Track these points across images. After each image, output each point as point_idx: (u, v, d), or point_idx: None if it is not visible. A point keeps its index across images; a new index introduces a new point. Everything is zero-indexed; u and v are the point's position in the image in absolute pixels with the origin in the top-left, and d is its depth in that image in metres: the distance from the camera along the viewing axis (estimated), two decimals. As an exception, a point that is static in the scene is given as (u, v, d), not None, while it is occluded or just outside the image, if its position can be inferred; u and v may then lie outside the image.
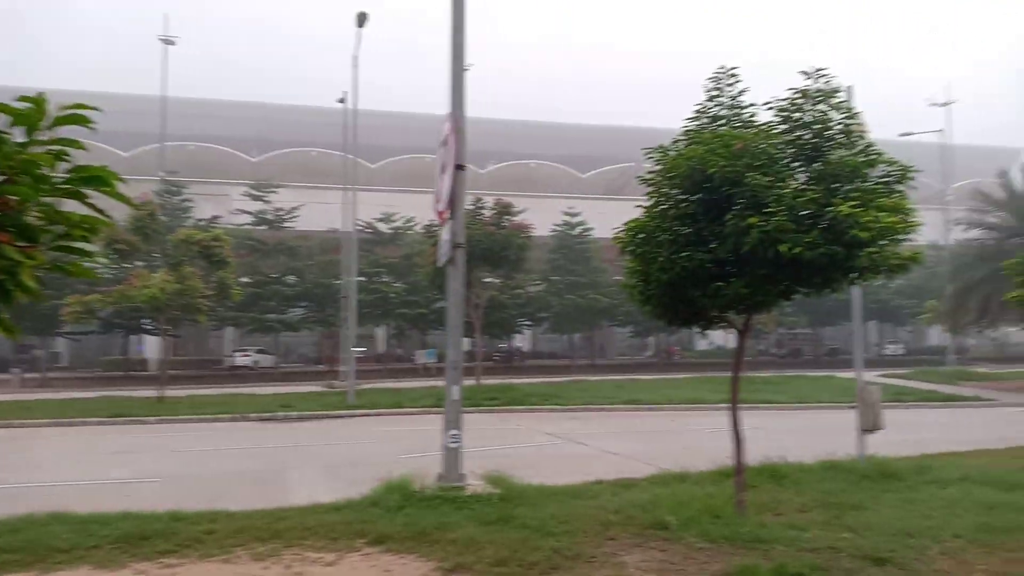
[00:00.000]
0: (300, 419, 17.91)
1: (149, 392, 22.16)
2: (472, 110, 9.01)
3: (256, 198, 36.44)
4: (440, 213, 8.47)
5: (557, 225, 39.45)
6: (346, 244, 25.63)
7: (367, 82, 22.96)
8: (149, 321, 31.15)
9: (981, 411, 21.09)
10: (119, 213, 5.02)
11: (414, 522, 6.53)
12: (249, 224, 36.09)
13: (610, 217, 6.55)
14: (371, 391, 22.64)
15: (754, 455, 9.49)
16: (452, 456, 7.95)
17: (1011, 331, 49.38)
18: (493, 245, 20.88)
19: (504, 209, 22.22)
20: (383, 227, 37.22)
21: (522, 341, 51.63)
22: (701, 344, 53.48)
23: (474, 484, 7.88)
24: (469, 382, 21.77)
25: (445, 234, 8.40)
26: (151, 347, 38.84)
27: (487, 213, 22.23)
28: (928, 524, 6.47)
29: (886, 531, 6.24)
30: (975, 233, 28.20)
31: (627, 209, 6.44)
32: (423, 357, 36.37)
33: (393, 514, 6.85)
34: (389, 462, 10.05)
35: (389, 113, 57.59)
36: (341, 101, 25.78)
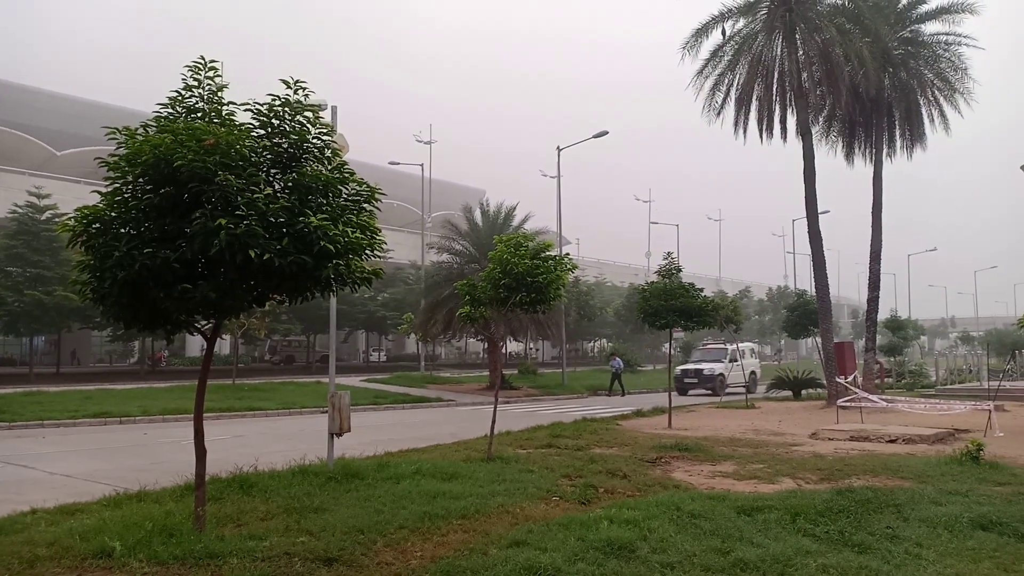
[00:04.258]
0: None
1: None
2: None
3: None
4: None
5: (18, 206, 33.18)
6: None
7: None
8: None
9: (442, 410, 24.31)
10: None
11: None
12: None
13: (91, 203, 5.60)
14: None
15: (229, 465, 9.22)
16: None
17: (470, 341, 58.61)
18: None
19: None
20: None
21: (-38, 345, 41.95)
22: (194, 350, 50.81)
23: None
24: None
25: None
26: None
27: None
28: (378, 519, 6.98)
29: (341, 530, 6.54)
30: (445, 257, 32.59)
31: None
32: None
33: None
34: None
35: None
36: None
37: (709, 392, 30.18)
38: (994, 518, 7.02)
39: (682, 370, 32.10)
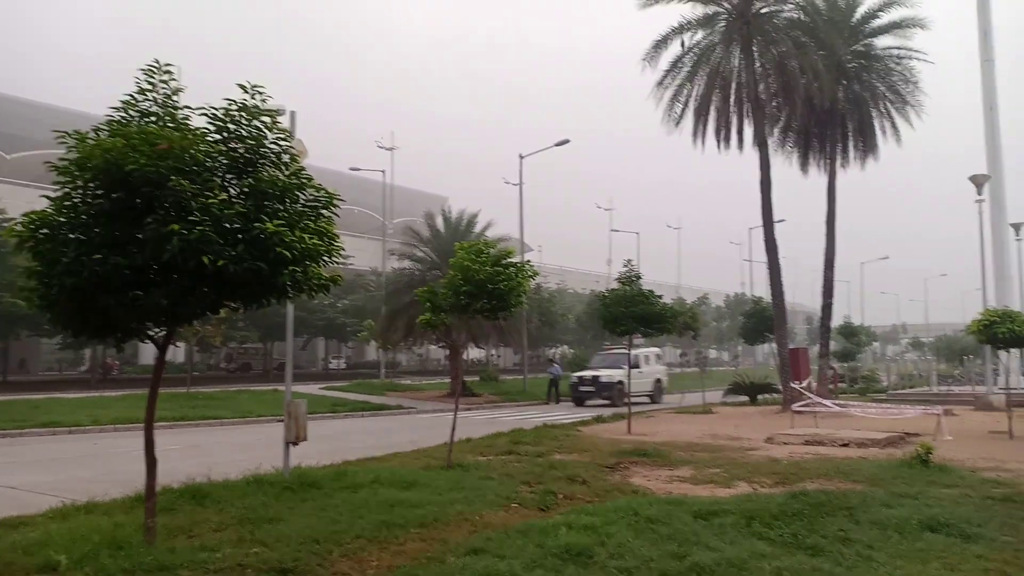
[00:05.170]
0: None
1: None
2: None
3: None
4: None
5: (-40, 213, 32.17)
6: None
7: None
8: None
9: (402, 418, 24.13)
10: None
11: None
12: None
13: (40, 208, 5.45)
14: None
15: (181, 475, 9.02)
16: None
17: (432, 348, 58.34)
18: None
19: None
20: None
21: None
22: (147, 358, 49.67)
23: None
24: None
25: None
26: None
27: None
28: (335, 528, 6.89)
29: (296, 540, 6.44)
30: (406, 264, 32.41)
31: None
32: None
33: None
34: None
35: None
36: None
37: (607, 402, 26.63)
38: (942, 519, 7.21)
39: (578, 377, 29.23)
